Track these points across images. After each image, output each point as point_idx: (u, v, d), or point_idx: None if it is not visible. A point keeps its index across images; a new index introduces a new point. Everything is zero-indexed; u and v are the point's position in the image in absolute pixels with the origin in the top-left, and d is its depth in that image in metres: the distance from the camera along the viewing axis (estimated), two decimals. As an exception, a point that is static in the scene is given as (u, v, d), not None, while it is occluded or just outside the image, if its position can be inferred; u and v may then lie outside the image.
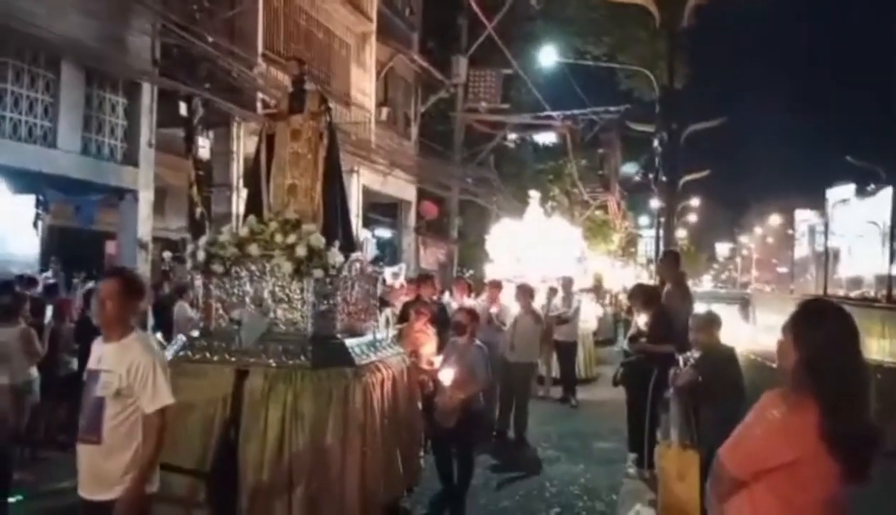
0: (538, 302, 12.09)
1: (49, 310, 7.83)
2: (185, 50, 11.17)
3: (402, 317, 8.11)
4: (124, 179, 11.03)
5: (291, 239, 5.17)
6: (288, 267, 5.11)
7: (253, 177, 6.12)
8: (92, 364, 3.42)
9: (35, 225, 9.93)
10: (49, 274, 10.16)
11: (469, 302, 9.77)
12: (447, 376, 5.86)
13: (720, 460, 2.35)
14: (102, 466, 3.27)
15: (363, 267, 5.95)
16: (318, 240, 5.16)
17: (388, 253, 20.73)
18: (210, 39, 11.27)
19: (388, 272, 12.02)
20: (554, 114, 24.62)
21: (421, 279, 10.84)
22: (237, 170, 12.92)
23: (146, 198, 11.28)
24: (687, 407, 5.46)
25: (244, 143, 12.84)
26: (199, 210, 11.47)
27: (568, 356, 11.73)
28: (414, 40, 20.67)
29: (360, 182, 17.31)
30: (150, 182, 11.39)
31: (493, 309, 9.16)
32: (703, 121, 20.29)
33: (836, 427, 2.15)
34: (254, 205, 5.91)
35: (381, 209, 20.40)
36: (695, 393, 5.36)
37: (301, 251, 5.09)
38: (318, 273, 5.12)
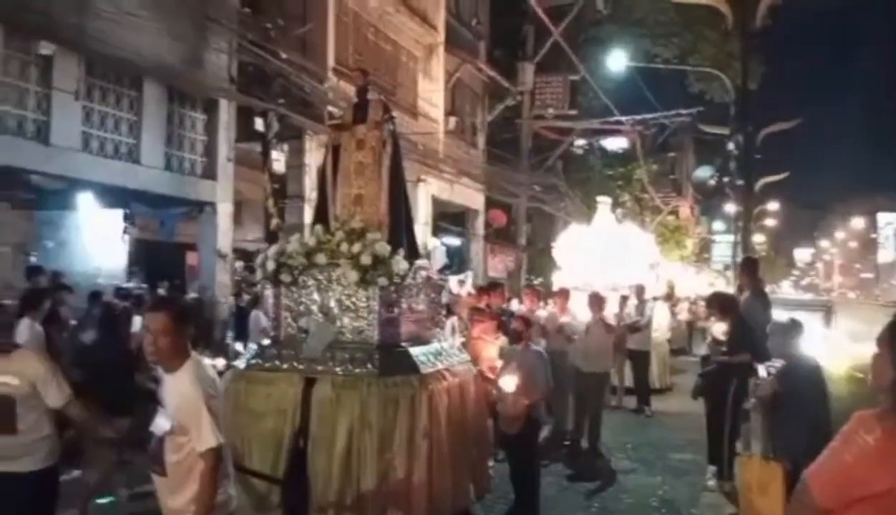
0: (610, 311, 11.95)
1: (137, 320, 8.17)
2: (260, 67, 11.54)
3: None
4: (204, 193, 11.45)
5: (356, 247, 5.19)
6: (354, 275, 5.13)
7: (319, 188, 6.23)
8: (161, 392, 3.34)
9: (122, 238, 10.39)
10: (132, 284, 10.61)
11: (540, 312, 9.72)
12: (509, 383, 5.78)
13: (806, 485, 2.17)
14: (168, 501, 3.23)
15: (428, 275, 5.89)
16: (383, 248, 5.18)
17: (457, 261, 20.82)
18: (283, 56, 11.59)
19: (453, 280, 12.00)
20: (623, 118, 24.27)
21: (490, 287, 10.83)
22: (309, 181, 13.23)
23: (225, 210, 11.66)
24: (768, 418, 5.29)
25: (316, 156, 13.17)
26: (274, 221, 11.80)
27: (641, 365, 11.50)
28: (481, 49, 20.76)
29: (428, 191, 17.46)
30: (229, 195, 11.78)
31: (564, 318, 9.04)
32: (779, 121, 19.68)
33: None
34: (320, 215, 5.94)
35: (450, 217, 20.51)
36: (776, 404, 5.18)
37: (366, 259, 5.11)
38: (383, 281, 5.12)
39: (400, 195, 5.90)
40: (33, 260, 9.95)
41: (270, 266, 5.42)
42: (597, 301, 9.03)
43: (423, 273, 5.73)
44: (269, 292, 5.65)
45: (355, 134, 5.87)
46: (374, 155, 5.80)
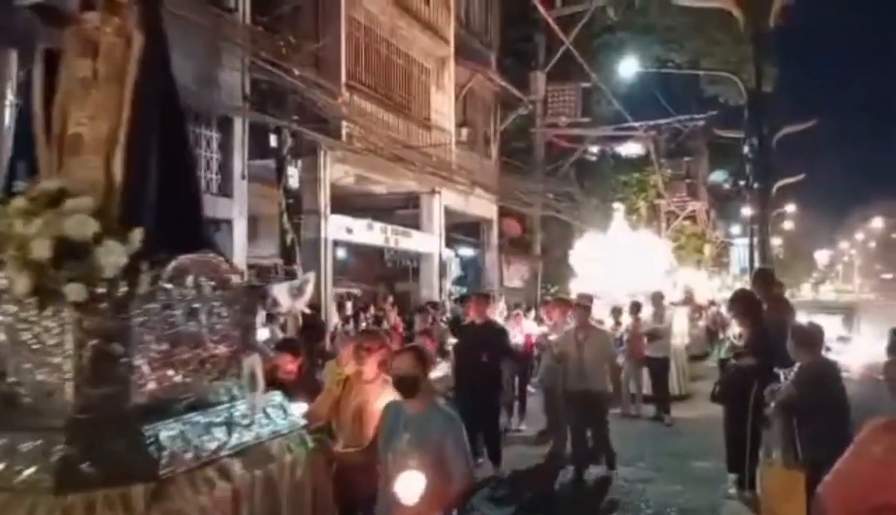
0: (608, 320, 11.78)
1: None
2: (274, 84, 11.65)
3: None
4: (220, 210, 11.53)
5: (34, 227, 2.78)
6: (22, 281, 2.72)
7: (19, 125, 3.73)
8: None
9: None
10: None
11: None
12: (409, 492, 3.31)
13: (819, 498, 2.17)
14: None
15: (221, 278, 3.32)
16: (81, 224, 2.79)
17: (472, 272, 20.83)
18: (296, 73, 11.70)
19: (278, 289, 9.59)
20: (636, 124, 24.22)
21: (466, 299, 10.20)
22: (325, 197, 13.34)
23: (240, 227, 11.75)
24: (789, 424, 5.24)
25: (330, 171, 13.29)
26: (289, 236, 11.88)
27: (660, 372, 11.41)
28: (491, 60, 20.84)
29: (441, 203, 17.51)
30: (245, 212, 11.87)
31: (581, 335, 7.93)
32: (795, 123, 19.57)
33: None
34: (10, 172, 3.37)
35: (464, 228, 20.54)
36: (795, 410, 5.14)
37: (40, 249, 2.72)
38: (75, 291, 2.69)
39: (150, 134, 3.25)
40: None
41: None
42: (582, 310, 8.12)
43: (201, 277, 3.17)
44: None
45: (80, 31, 3.31)
46: (112, 63, 3.24)
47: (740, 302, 6.90)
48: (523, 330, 10.69)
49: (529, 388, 10.61)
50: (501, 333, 8.32)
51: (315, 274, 11.38)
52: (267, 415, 3.38)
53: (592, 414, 7.62)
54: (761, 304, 6.86)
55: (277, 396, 3.65)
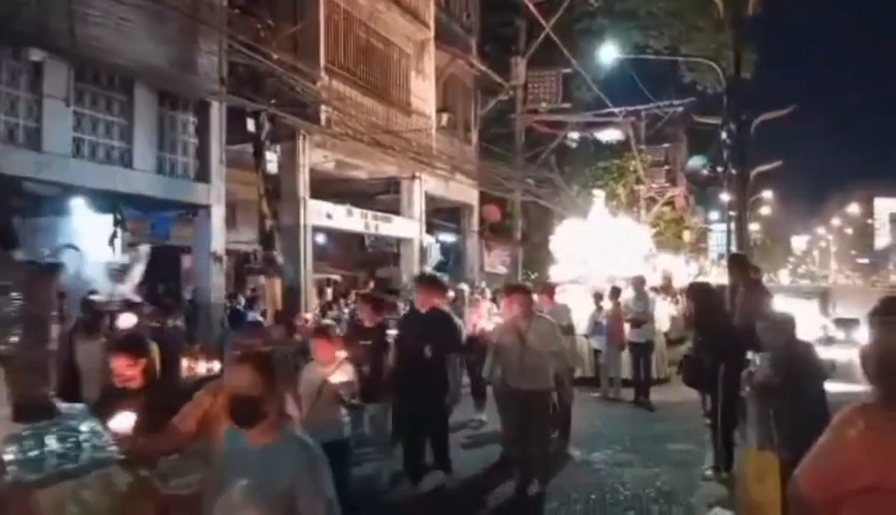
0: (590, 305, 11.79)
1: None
2: (251, 68, 11.52)
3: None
4: (198, 195, 11.43)
5: None
6: None
7: None
8: None
9: (111, 242, 10.33)
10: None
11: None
12: None
13: (796, 482, 2.17)
14: None
15: None
16: None
17: (452, 257, 20.83)
18: (274, 56, 11.57)
19: (94, 269, 7.56)
20: (616, 110, 24.27)
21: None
22: (304, 182, 13.25)
23: (218, 212, 11.66)
24: (764, 406, 5.30)
25: (310, 156, 13.20)
26: (268, 222, 11.80)
27: (644, 358, 11.45)
28: (472, 45, 20.75)
29: (422, 188, 17.46)
30: (222, 197, 11.77)
31: (523, 325, 6.64)
32: (773, 110, 19.70)
33: None
34: None
35: (445, 214, 20.51)
36: (771, 392, 5.20)
37: None
38: None
39: None
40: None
41: None
42: (522, 301, 6.67)
43: None
44: None
45: None
46: None
47: (694, 292, 7.72)
48: (481, 316, 10.07)
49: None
50: (447, 322, 6.95)
51: (149, 249, 10.05)
52: (41, 446, 2.19)
53: (534, 416, 6.47)
54: (710, 291, 7.65)
55: (76, 419, 2.46)
